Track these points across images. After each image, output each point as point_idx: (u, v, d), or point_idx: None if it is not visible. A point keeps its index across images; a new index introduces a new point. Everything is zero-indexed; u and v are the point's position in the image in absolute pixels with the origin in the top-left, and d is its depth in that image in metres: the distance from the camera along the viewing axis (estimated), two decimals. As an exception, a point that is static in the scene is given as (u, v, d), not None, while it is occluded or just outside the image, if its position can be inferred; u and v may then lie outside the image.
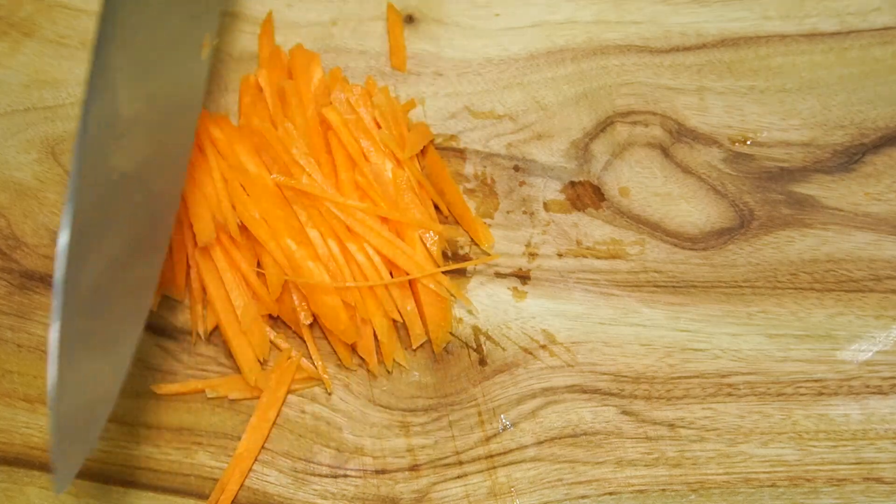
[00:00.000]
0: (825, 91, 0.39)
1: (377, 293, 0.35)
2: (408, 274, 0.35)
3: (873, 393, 0.36)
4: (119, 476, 0.35)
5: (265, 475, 0.35)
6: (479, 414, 0.36)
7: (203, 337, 0.36)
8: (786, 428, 0.35)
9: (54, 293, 0.25)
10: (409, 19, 0.41)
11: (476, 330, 0.37)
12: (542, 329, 0.37)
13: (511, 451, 0.35)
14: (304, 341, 0.36)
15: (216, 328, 0.36)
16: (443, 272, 0.36)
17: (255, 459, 0.35)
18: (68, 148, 0.39)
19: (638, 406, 0.36)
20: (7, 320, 0.37)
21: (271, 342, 0.36)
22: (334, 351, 0.36)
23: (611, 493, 0.35)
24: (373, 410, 0.36)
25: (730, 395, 0.36)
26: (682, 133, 0.39)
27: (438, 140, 0.39)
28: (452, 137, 0.39)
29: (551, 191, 0.39)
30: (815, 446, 0.35)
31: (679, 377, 0.36)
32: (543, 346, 0.36)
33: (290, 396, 0.36)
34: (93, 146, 0.27)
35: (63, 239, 0.25)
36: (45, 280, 0.37)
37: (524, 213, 0.38)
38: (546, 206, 0.38)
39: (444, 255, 0.38)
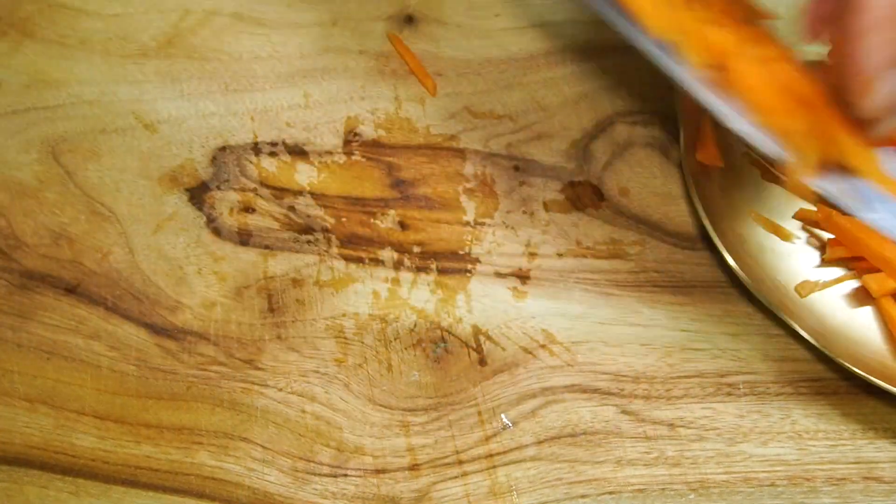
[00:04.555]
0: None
1: None
2: None
3: (871, 392, 0.36)
4: (119, 475, 0.35)
5: (266, 474, 0.35)
6: (479, 413, 0.36)
7: None
8: (785, 427, 0.35)
9: None
10: (409, 19, 0.42)
11: (476, 329, 0.37)
12: (541, 329, 0.37)
13: (511, 450, 0.35)
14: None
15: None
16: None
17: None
18: (68, 148, 0.39)
19: (637, 405, 0.36)
20: (7, 320, 0.37)
21: None
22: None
23: (610, 493, 0.35)
24: (373, 410, 0.36)
25: (729, 394, 0.36)
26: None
27: (438, 140, 0.39)
28: (452, 137, 0.39)
29: (551, 191, 0.39)
30: (814, 445, 0.35)
31: (678, 377, 0.36)
32: (543, 346, 0.37)
33: (290, 396, 0.36)
34: None
35: None
36: (45, 280, 0.37)
37: (524, 213, 0.38)
38: (546, 206, 0.39)
39: None
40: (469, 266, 0.38)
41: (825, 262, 0.37)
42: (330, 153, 0.40)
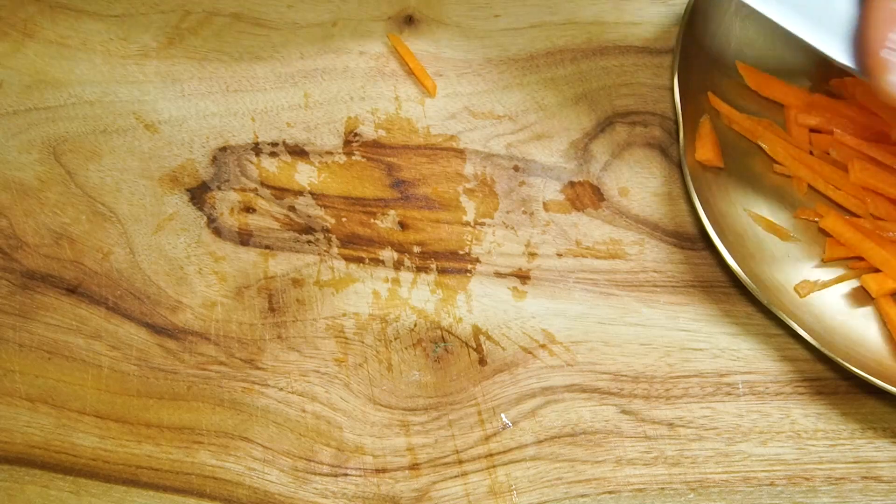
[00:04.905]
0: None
1: None
2: None
3: (870, 392, 0.36)
4: (120, 475, 0.35)
5: (266, 474, 0.35)
6: (479, 413, 0.36)
7: None
8: (784, 427, 0.36)
9: None
10: (409, 20, 0.42)
11: (476, 329, 0.37)
12: (541, 329, 0.37)
13: (511, 450, 0.35)
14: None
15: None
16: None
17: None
18: (69, 148, 0.39)
19: (637, 405, 0.36)
20: (9, 320, 0.37)
21: None
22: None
23: (610, 492, 0.35)
24: (373, 410, 0.36)
25: (728, 394, 0.36)
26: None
27: (438, 140, 0.40)
28: (452, 138, 0.40)
29: (551, 191, 0.39)
30: (813, 445, 0.35)
31: (678, 376, 0.36)
32: (543, 346, 0.37)
33: (291, 396, 0.36)
34: None
35: None
36: (46, 280, 0.38)
37: (524, 213, 0.39)
38: (546, 206, 0.39)
39: None
40: (469, 266, 0.38)
41: (824, 262, 0.37)
42: (330, 153, 0.40)
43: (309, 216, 0.39)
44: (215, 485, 0.35)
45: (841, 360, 0.34)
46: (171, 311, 0.37)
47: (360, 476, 0.35)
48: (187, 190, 0.39)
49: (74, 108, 0.40)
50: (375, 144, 0.40)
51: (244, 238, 0.38)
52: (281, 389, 0.36)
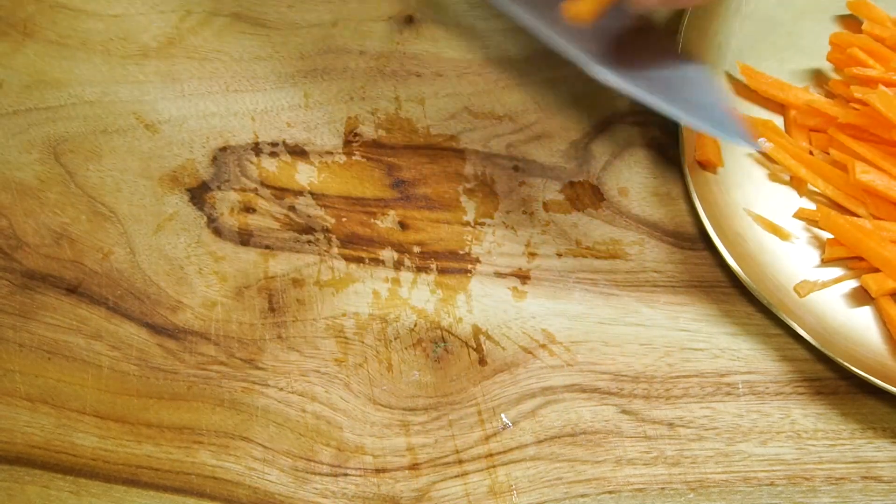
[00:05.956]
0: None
1: None
2: None
3: (870, 392, 0.36)
4: (120, 475, 0.35)
5: (266, 474, 0.35)
6: (479, 413, 0.36)
7: None
8: (784, 427, 0.36)
9: None
10: (409, 20, 0.42)
11: (476, 329, 0.37)
12: (541, 329, 0.37)
13: (511, 450, 0.35)
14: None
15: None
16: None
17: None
18: (70, 148, 0.39)
19: (637, 405, 0.36)
20: (9, 320, 0.37)
21: None
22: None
23: (610, 492, 0.35)
24: (373, 409, 0.36)
25: (728, 394, 0.36)
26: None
27: (438, 140, 0.40)
28: (452, 138, 0.40)
29: (551, 191, 0.39)
30: (813, 445, 0.35)
31: (678, 376, 0.36)
32: (543, 346, 0.37)
33: (291, 396, 0.36)
34: None
35: None
36: (46, 280, 0.38)
37: (524, 213, 0.39)
38: (546, 206, 0.39)
39: None
40: (469, 266, 0.38)
41: (824, 262, 0.37)
42: (330, 153, 0.40)
43: (309, 216, 0.39)
44: (215, 485, 0.35)
45: (841, 360, 0.34)
46: (171, 311, 0.37)
47: (360, 476, 0.35)
48: (187, 190, 0.39)
49: (74, 108, 0.40)
50: (375, 144, 0.40)
51: (244, 238, 0.38)
52: (281, 389, 0.36)
